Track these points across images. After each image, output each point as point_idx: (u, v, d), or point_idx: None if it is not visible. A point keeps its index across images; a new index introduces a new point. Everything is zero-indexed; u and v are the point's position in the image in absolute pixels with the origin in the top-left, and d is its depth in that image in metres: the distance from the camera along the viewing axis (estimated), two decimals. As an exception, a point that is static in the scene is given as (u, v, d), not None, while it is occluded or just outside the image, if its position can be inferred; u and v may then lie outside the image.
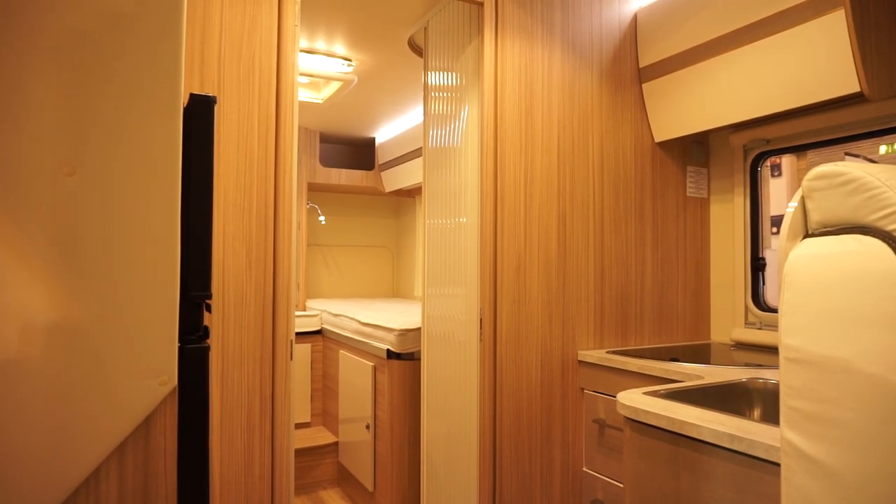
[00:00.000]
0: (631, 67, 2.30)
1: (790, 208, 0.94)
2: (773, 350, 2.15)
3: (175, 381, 0.98)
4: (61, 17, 0.91)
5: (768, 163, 2.34)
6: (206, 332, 1.07)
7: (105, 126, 0.94)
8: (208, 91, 1.58)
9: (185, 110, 1.02)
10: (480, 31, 2.03)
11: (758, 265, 2.28)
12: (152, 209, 0.96)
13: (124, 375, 0.94)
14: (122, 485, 0.95)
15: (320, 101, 3.37)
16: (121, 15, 0.95)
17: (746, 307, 2.29)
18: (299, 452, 3.37)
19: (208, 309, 1.11)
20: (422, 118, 3.71)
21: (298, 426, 3.70)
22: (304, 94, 3.35)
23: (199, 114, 1.02)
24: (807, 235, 0.92)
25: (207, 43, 1.56)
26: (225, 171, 1.59)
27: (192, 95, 1.04)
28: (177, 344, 0.99)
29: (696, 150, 2.44)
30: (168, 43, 0.98)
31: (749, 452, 1.10)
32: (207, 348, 1.04)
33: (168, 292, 0.97)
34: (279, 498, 1.63)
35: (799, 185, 0.93)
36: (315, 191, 4.42)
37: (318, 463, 3.40)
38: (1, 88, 0.89)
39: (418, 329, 2.73)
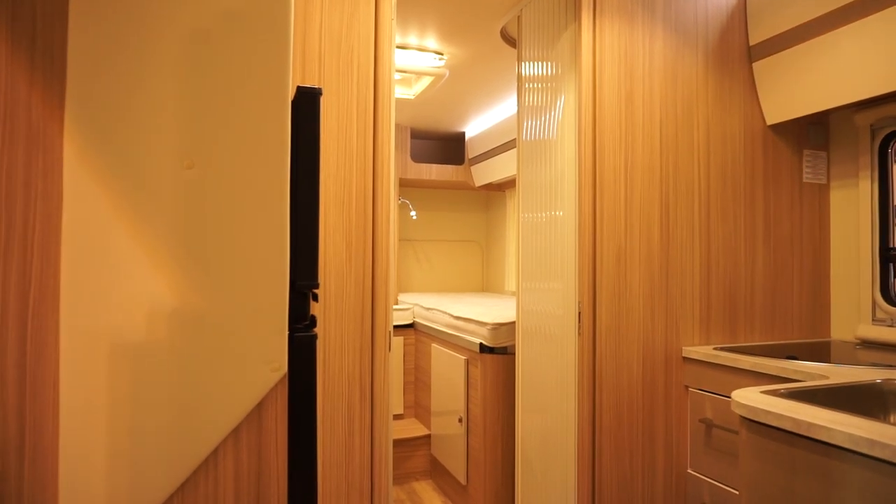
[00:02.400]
0: (739, 46, 2.16)
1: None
2: (905, 350, 1.95)
3: (285, 368, 1.01)
4: (181, 18, 0.96)
5: (898, 145, 2.13)
6: (313, 321, 1.09)
7: (220, 120, 0.98)
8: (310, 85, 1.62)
9: (293, 102, 1.05)
10: (577, 17, 1.96)
11: (888, 256, 2.08)
12: (264, 201, 0.99)
13: (239, 362, 0.98)
14: (238, 465, 0.99)
15: (412, 97, 3.41)
16: (234, 13, 0.98)
17: (874, 302, 2.09)
18: (393, 444, 3.43)
19: (315, 298, 1.14)
20: (512, 110, 3.66)
21: (393, 417, 3.77)
22: (397, 91, 3.39)
23: (307, 106, 1.04)
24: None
25: (309, 39, 1.60)
26: (325, 164, 1.62)
27: (299, 88, 1.06)
28: (286, 332, 1.01)
29: (814, 131, 2.26)
30: (277, 38, 1.00)
31: (892, 460, 0.99)
32: (315, 337, 1.06)
33: (279, 282, 1.00)
34: (378, 485, 1.66)
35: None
36: (406, 186, 4.48)
37: (411, 454, 3.45)
38: (125, 86, 0.94)
39: (511, 323, 2.70)
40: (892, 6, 1.71)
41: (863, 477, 1.06)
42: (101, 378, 0.92)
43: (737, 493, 1.77)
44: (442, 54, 2.80)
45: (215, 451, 0.97)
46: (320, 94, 1.06)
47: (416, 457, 3.46)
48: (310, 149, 1.06)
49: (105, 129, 0.94)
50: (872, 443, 1.02)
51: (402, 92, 3.40)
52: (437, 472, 3.37)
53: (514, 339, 2.70)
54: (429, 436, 3.46)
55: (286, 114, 0.99)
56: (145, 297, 0.94)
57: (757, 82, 2.16)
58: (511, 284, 4.41)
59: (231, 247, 0.98)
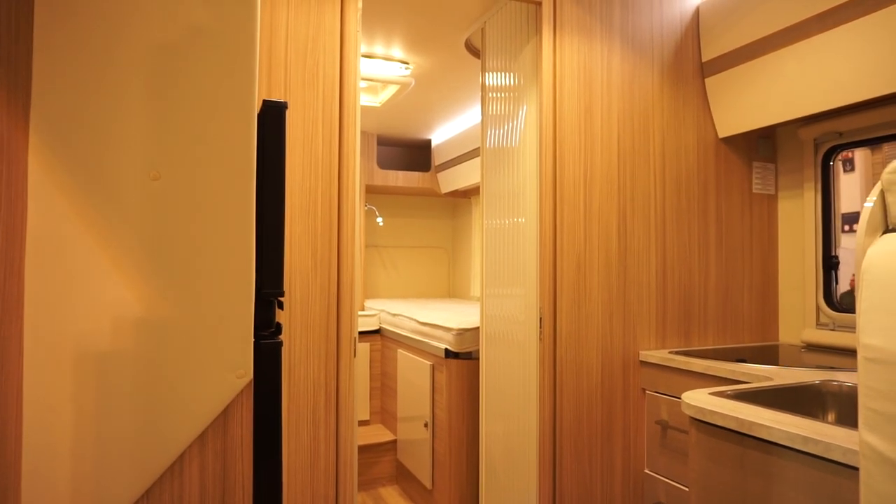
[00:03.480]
0: (693, 62, 2.25)
1: (869, 203, 0.91)
2: (846, 352, 2.06)
3: (251, 375, 1.03)
4: (147, 32, 0.97)
5: (840, 157, 2.25)
6: (278, 329, 1.12)
7: (186, 132, 1.00)
8: (275, 97, 1.64)
9: (259, 115, 1.07)
10: (538, 31, 2.03)
11: (830, 263, 2.19)
12: (230, 211, 1.01)
13: (205, 368, 1.00)
14: (203, 471, 1.00)
15: (378, 105, 3.44)
16: (201, 28, 1.00)
17: (818, 307, 2.20)
18: (359, 449, 3.44)
19: (280, 306, 1.16)
20: (478, 119, 3.72)
21: (358, 423, 3.77)
22: (363, 99, 3.42)
23: (272, 119, 1.07)
24: (886, 231, 0.89)
25: (275, 48, 1.63)
26: (291, 173, 1.64)
27: (265, 101, 1.09)
28: (252, 339, 1.04)
29: (763, 145, 2.37)
30: (243, 53, 1.03)
31: (825, 456, 1.07)
32: (280, 343, 1.08)
33: (244, 290, 1.02)
34: (343, 491, 1.68)
35: (873, 180, 0.90)
36: (372, 193, 4.50)
37: (377, 460, 3.46)
38: (91, 98, 0.96)
39: (476, 329, 2.74)
40: (833, 28, 1.82)
41: (799, 472, 1.13)
42: (66, 386, 0.93)
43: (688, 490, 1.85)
44: (408, 63, 2.84)
45: (181, 457, 0.99)
46: (286, 107, 1.09)
47: (382, 462, 3.48)
48: (275, 160, 1.09)
49: (70, 140, 0.95)
50: (807, 440, 1.09)
51: (369, 100, 3.43)
52: (403, 477, 3.39)
53: (478, 345, 2.74)
54: (395, 441, 3.48)
55: (252, 126, 1.02)
56: (110, 306, 0.95)
57: (709, 97, 2.26)
58: (477, 290, 4.46)
59: (197, 255, 1.00)
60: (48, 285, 0.94)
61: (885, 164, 2.32)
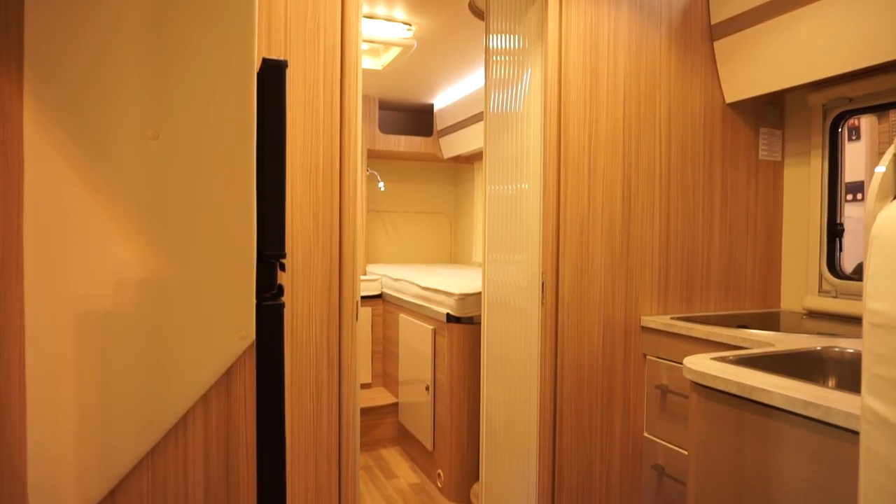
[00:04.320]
0: (702, 25, 2.20)
1: (881, 168, 0.89)
2: (848, 319, 2.06)
3: (253, 336, 1.03)
4: (143, -15, 0.95)
5: (847, 124, 2.21)
6: (280, 291, 1.11)
7: (185, 91, 0.98)
8: (275, 56, 1.60)
9: (259, 74, 1.05)
10: (544, -10, 1.98)
11: (835, 231, 2.18)
12: (230, 170, 0.99)
13: (208, 329, 0.99)
14: (207, 430, 1.01)
15: (380, 68, 3.38)
16: (198, -19, 0.97)
17: (821, 274, 2.20)
18: (361, 412, 3.48)
19: (282, 268, 1.16)
20: (481, 83, 3.66)
21: (360, 387, 3.82)
22: (364, 61, 3.36)
23: (272, 77, 1.04)
24: (898, 195, 0.88)
25: (274, 8, 1.59)
26: (292, 134, 1.62)
27: (264, 60, 1.06)
28: (254, 301, 1.03)
29: (771, 110, 2.33)
30: (242, 9, 1.00)
31: (825, 420, 1.07)
32: (282, 305, 1.08)
33: (246, 252, 1.02)
34: (346, 451, 1.70)
35: (879, 149, 0.88)
36: (374, 157, 4.46)
37: (378, 422, 3.51)
38: (86, 55, 0.93)
39: (478, 293, 2.75)
40: (846, -12, 1.77)
41: (799, 435, 1.14)
42: (68, 346, 0.93)
43: (687, 453, 1.87)
44: (410, 25, 2.78)
45: (185, 417, 1.00)
46: (286, 66, 1.06)
47: (383, 424, 3.53)
48: (276, 120, 1.07)
49: (66, 98, 0.93)
50: (807, 404, 1.10)
51: (370, 62, 3.37)
52: (404, 439, 3.44)
53: (480, 310, 2.75)
54: (396, 404, 3.52)
55: (252, 85, 1.00)
56: (112, 267, 0.94)
57: (717, 61, 2.21)
58: (479, 256, 4.46)
59: (197, 216, 0.99)
60: (48, 246, 0.93)
61: (891, 132, 2.28)
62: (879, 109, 2.07)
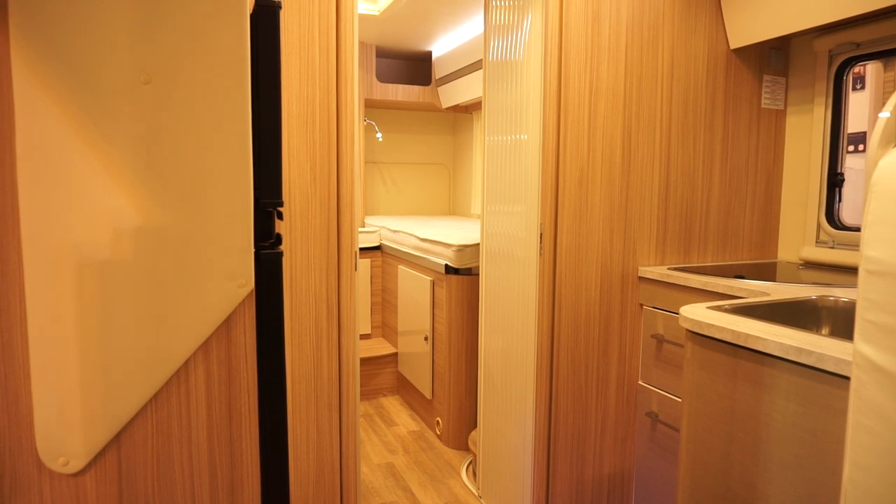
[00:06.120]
0: (708, -34, 2.13)
1: (885, 113, 0.87)
2: (844, 269, 2.07)
3: (252, 285, 1.04)
4: (129, -79, 0.91)
5: (852, 73, 2.17)
6: (278, 240, 1.11)
7: (176, 34, 0.95)
8: None
9: (252, 16, 1.02)
10: (546, -70, 1.90)
11: (835, 181, 2.17)
12: (225, 116, 0.98)
13: (206, 277, 1.00)
14: (209, 377, 1.03)
15: (377, 14, 3.29)
16: (185, -83, 0.93)
17: (819, 225, 2.20)
18: (361, 362, 3.54)
19: (279, 216, 1.15)
20: (480, 29, 3.57)
21: (360, 337, 3.87)
22: (361, 6, 3.27)
23: (266, 20, 1.02)
24: (900, 142, 0.87)
25: (267, -51, 1.53)
26: (287, 82, 1.59)
27: (257, 2, 1.03)
28: (252, 249, 1.03)
29: (775, 56, 2.28)
30: (232, -54, 0.97)
31: (817, 366, 1.09)
32: (281, 254, 1.08)
33: (242, 199, 1.01)
34: (346, 399, 1.73)
35: (884, 98, 0.86)
36: (371, 107, 4.39)
37: (378, 372, 3.57)
38: (76, -3, 0.90)
39: (476, 245, 2.75)
40: (859, -72, 1.71)
41: (790, 381, 1.16)
42: (68, 294, 0.94)
43: (681, 400, 1.91)
44: (407, -33, 2.69)
45: (186, 364, 1.01)
46: (279, 7, 1.03)
47: (383, 374, 3.59)
48: (270, 64, 1.04)
49: (54, 40, 0.91)
50: (800, 350, 1.11)
51: (367, 7, 3.28)
52: (403, 388, 3.51)
53: (478, 261, 2.76)
54: (396, 354, 3.57)
55: (245, 27, 0.97)
56: (108, 215, 0.94)
57: (723, 5, 2.16)
58: (477, 208, 4.44)
59: (193, 163, 0.98)
60: (42, 194, 0.92)
61: (898, 79, 2.24)
62: (887, 55, 2.02)
